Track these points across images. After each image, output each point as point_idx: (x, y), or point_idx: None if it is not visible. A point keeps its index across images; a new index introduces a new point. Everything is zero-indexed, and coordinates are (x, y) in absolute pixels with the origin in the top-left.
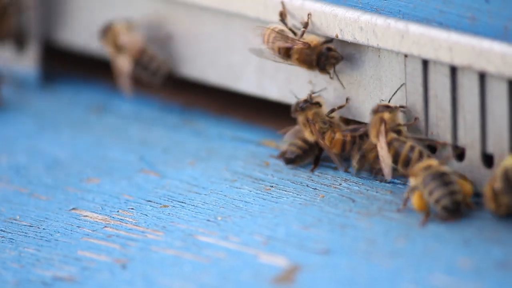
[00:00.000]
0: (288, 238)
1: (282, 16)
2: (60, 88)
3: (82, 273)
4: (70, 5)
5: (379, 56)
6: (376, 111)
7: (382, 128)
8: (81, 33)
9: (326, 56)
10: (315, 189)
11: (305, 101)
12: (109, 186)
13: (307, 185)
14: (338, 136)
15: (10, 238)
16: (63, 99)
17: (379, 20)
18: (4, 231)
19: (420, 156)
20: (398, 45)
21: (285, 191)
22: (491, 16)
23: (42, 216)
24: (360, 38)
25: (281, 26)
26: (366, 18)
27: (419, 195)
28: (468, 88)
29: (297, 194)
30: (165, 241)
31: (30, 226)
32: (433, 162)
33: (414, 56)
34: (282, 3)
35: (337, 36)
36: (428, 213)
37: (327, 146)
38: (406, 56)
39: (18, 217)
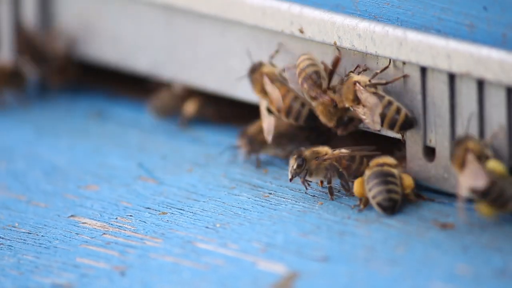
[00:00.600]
0: (287, 245)
1: (335, 63)
2: (58, 95)
3: (81, 280)
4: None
5: (377, 63)
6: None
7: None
8: (79, 40)
9: (345, 125)
10: (314, 196)
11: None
12: (107, 193)
13: (305, 192)
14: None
15: (9, 245)
16: (61, 106)
17: (377, 28)
18: (3, 238)
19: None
20: (396, 52)
21: (283, 198)
22: (490, 23)
23: (41, 223)
24: (359, 46)
25: (313, 62)
26: (364, 25)
27: (360, 182)
28: (466, 95)
29: (296, 201)
30: (164, 248)
31: (29, 233)
32: (389, 160)
33: (412, 63)
34: (337, 48)
35: (335, 44)
36: (366, 201)
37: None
38: (404, 63)
39: (17, 224)
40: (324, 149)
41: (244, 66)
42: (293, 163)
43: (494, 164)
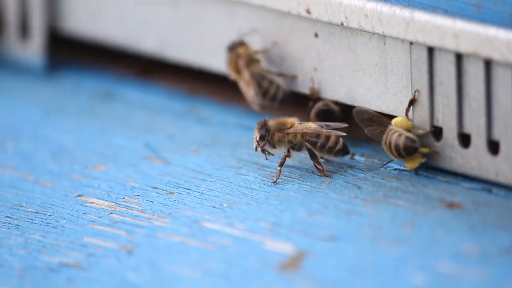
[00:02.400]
0: (294, 225)
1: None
2: (65, 76)
3: (88, 259)
4: None
5: (384, 43)
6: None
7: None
8: (86, 20)
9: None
10: (321, 176)
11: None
12: (114, 173)
13: (312, 172)
14: None
15: (17, 225)
16: (68, 86)
17: (384, 8)
18: (10, 217)
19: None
20: (403, 33)
21: (290, 178)
22: (497, 3)
23: (48, 203)
24: (366, 26)
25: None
26: (371, 5)
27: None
28: (474, 75)
29: (303, 181)
30: (171, 228)
31: (36, 212)
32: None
33: (420, 44)
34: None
35: (342, 24)
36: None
37: None
38: (411, 43)
39: (24, 203)
40: (290, 121)
41: (252, 46)
42: (256, 133)
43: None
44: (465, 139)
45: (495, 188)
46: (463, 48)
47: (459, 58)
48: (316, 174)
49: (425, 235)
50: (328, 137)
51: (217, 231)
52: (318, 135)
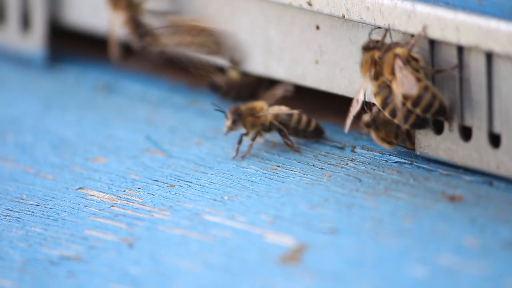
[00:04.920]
0: (295, 218)
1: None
2: (66, 68)
3: (89, 252)
4: None
5: (386, 36)
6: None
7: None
8: (87, 12)
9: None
10: (322, 168)
11: None
12: (115, 165)
13: (313, 165)
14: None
15: (17, 217)
16: (69, 78)
17: (385, 0)
18: (11, 210)
19: None
20: (405, 25)
21: (291, 170)
22: None
23: (49, 196)
24: (367, 18)
25: None
26: None
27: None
28: (475, 68)
29: (304, 174)
30: (172, 221)
31: (37, 205)
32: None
33: (421, 36)
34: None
35: (343, 16)
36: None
37: None
38: (413, 36)
39: (25, 196)
40: (260, 105)
41: (253, 39)
42: (228, 118)
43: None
44: (466, 132)
45: (496, 181)
46: (464, 41)
47: (460, 50)
48: (317, 167)
49: (426, 228)
50: (299, 119)
51: (218, 223)
52: (289, 116)
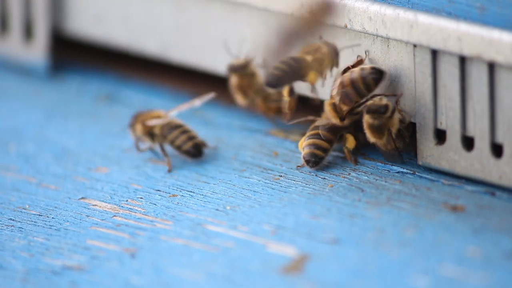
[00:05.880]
0: (297, 228)
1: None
2: (68, 78)
3: (91, 262)
4: None
5: (388, 46)
6: None
7: None
8: (90, 22)
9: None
10: (324, 178)
11: None
12: (117, 175)
13: (316, 175)
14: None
15: (20, 227)
16: (71, 88)
17: (388, 10)
18: (13, 220)
19: None
20: (407, 35)
21: (294, 180)
22: (500, 6)
23: (51, 205)
24: (369, 28)
25: None
26: (375, 8)
27: None
28: (477, 78)
29: (306, 184)
30: (174, 231)
31: (39, 215)
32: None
33: (423, 46)
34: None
35: (346, 26)
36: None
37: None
38: (415, 46)
39: (27, 206)
40: (155, 113)
41: (254, 48)
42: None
43: None
44: (468, 142)
45: (499, 191)
46: (466, 51)
47: (462, 60)
48: (319, 177)
49: (428, 238)
50: (179, 135)
51: (220, 233)
52: (173, 128)
